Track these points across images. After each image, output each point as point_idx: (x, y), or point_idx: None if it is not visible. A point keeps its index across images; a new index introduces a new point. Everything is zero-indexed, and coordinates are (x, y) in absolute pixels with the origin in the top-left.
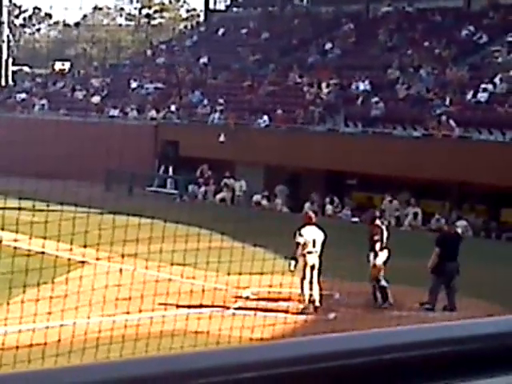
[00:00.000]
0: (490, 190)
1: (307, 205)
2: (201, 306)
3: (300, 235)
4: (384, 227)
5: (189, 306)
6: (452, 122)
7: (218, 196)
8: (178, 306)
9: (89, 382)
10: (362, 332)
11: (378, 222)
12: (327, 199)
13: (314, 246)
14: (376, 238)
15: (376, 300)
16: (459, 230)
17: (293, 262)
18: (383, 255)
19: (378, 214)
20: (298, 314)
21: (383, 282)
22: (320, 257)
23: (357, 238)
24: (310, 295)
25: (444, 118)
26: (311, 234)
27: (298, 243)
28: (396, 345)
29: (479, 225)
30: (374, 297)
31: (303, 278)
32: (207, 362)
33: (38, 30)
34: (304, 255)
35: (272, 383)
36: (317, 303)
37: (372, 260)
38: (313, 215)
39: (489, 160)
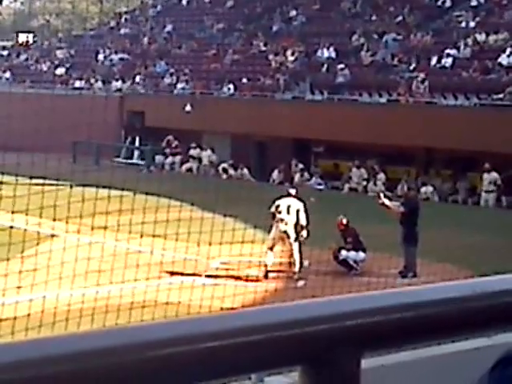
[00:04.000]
0: (456, 155)
1: (275, 173)
2: (171, 274)
3: (273, 204)
4: (355, 228)
5: (158, 277)
6: (421, 87)
7: (185, 166)
8: (147, 278)
9: (60, 354)
10: (330, 298)
11: (347, 225)
12: (295, 168)
13: (288, 213)
14: (349, 240)
15: (350, 270)
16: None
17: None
18: (360, 255)
19: (345, 219)
20: (261, 278)
21: (341, 257)
22: (295, 226)
23: (325, 206)
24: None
25: (415, 82)
26: (285, 203)
27: (273, 212)
28: (363, 310)
29: (446, 190)
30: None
31: (270, 246)
32: (178, 331)
33: (0, 1)
34: (277, 221)
35: (242, 351)
36: (296, 269)
37: (343, 254)
38: (292, 190)
39: (454, 125)
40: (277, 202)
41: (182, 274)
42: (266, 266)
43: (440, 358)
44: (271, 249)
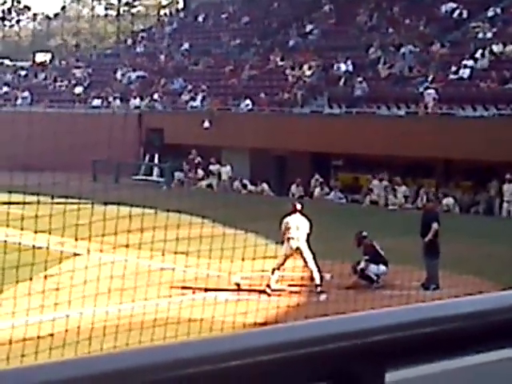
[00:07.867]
0: (476, 166)
1: (293, 187)
2: (193, 291)
3: (283, 222)
4: (374, 242)
5: (181, 294)
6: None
7: (205, 182)
8: (170, 295)
9: (85, 376)
10: (351, 315)
11: (366, 240)
12: (314, 182)
13: (297, 229)
14: (366, 257)
15: (371, 283)
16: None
17: None
18: (380, 268)
19: (364, 233)
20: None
21: (361, 270)
22: (307, 241)
23: (345, 219)
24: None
25: (426, 93)
26: (294, 220)
27: (283, 231)
28: (385, 326)
29: (466, 201)
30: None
31: (281, 264)
32: (203, 351)
33: (18, 22)
34: (288, 239)
35: (267, 368)
36: (317, 282)
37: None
38: (298, 205)
39: (473, 136)
40: (286, 220)
41: (205, 290)
42: (269, 286)
43: (467, 369)
44: (278, 268)
